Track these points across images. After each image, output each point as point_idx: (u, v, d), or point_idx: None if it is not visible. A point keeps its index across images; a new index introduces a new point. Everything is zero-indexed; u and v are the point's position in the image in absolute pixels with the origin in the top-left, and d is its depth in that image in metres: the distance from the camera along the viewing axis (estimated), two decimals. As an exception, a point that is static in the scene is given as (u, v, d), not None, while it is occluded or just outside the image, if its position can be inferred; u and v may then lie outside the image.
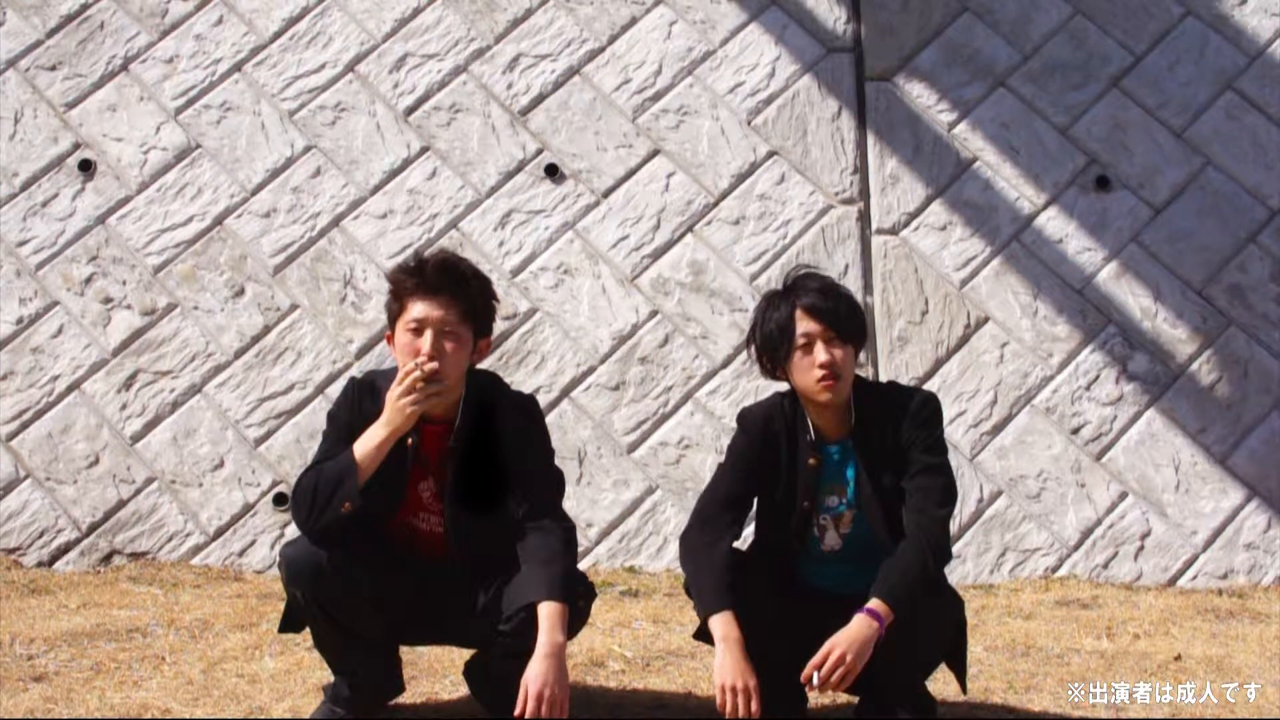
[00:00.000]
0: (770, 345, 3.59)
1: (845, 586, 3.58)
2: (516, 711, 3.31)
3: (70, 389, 5.80)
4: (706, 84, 6.44)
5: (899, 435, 3.56)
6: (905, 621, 3.38)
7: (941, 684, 3.91)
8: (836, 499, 3.63)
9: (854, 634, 3.34)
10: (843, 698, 3.73)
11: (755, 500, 3.70)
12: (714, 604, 3.46)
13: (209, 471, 5.69)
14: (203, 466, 5.69)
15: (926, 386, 5.85)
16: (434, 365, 3.47)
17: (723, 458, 3.77)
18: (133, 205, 6.14)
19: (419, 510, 3.66)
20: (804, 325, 3.55)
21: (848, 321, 3.58)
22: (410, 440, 3.55)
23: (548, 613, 3.39)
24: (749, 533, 3.78)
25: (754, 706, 3.35)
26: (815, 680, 3.33)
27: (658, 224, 6.17)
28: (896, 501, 3.55)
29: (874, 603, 3.37)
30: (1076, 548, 5.65)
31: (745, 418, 3.69)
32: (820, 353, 3.53)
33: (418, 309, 3.53)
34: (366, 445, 3.50)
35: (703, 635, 3.57)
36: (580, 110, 6.37)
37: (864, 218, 6.24)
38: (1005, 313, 6.05)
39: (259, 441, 5.74)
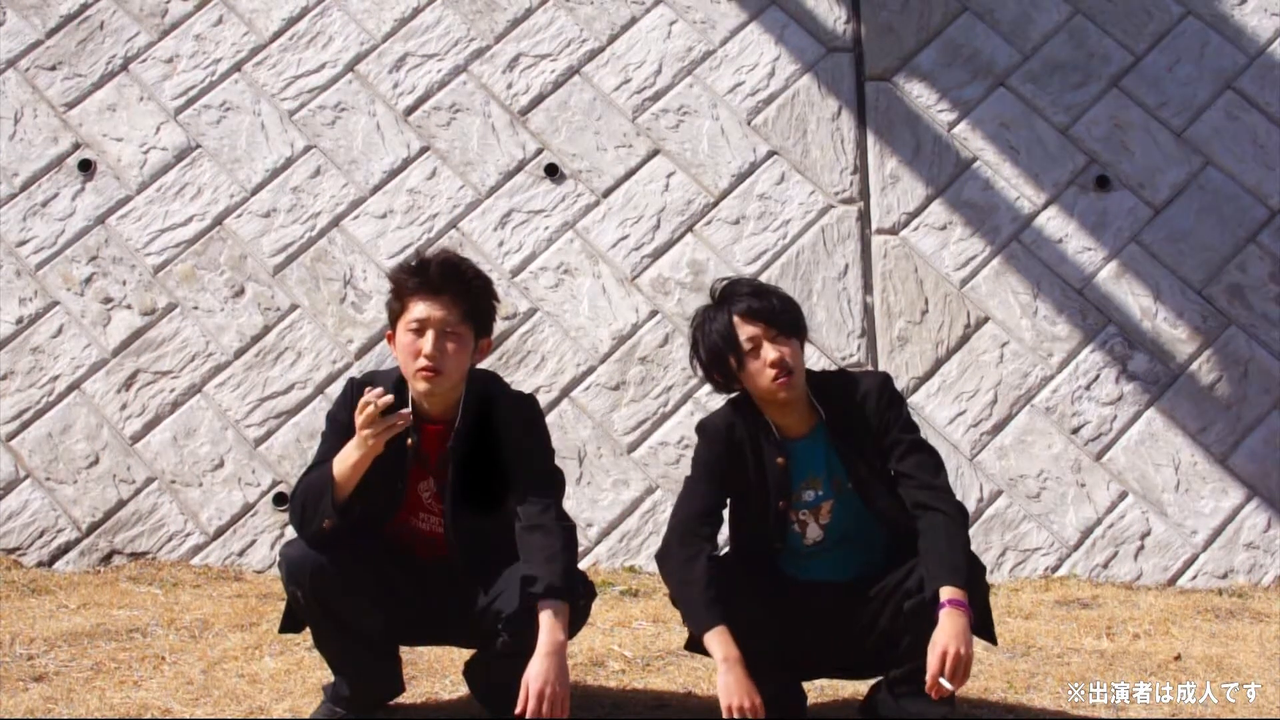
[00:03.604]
0: (718, 357, 3.59)
1: (836, 576, 3.60)
2: (517, 710, 3.31)
3: (70, 389, 5.80)
4: (706, 84, 6.43)
5: (867, 419, 3.58)
6: (920, 618, 3.39)
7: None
8: (812, 492, 3.63)
9: (949, 629, 3.32)
10: (844, 693, 3.74)
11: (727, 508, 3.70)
12: (706, 621, 3.45)
13: (209, 471, 5.69)
14: (203, 466, 5.69)
15: (926, 386, 5.86)
16: (389, 399, 3.43)
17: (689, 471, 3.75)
18: (133, 205, 6.14)
19: (419, 510, 3.65)
20: (745, 330, 3.56)
21: (785, 317, 3.60)
22: (410, 440, 3.56)
23: (548, 612, 3.39)
24: (725, 539, 3.76)
25: None
26: (943, 683, 3.30)
27: (658, 224, 6.17)
28: (878, 481, 3.57)
29: (945, 593, 3.35)
30: (1076, 547, 5.65)
31: (706, 428, 3.68)
32: (769, 351, 3.54)
33: (419, 309, 3.54)
34: (344, 464, 3.48)
35: (694, 647, 3.59)
36: (580, 110, 6.37)
37: (864, 217, 6.23)
38: (1005, 312, 6.05)
39: (259, 441, 5.74)
